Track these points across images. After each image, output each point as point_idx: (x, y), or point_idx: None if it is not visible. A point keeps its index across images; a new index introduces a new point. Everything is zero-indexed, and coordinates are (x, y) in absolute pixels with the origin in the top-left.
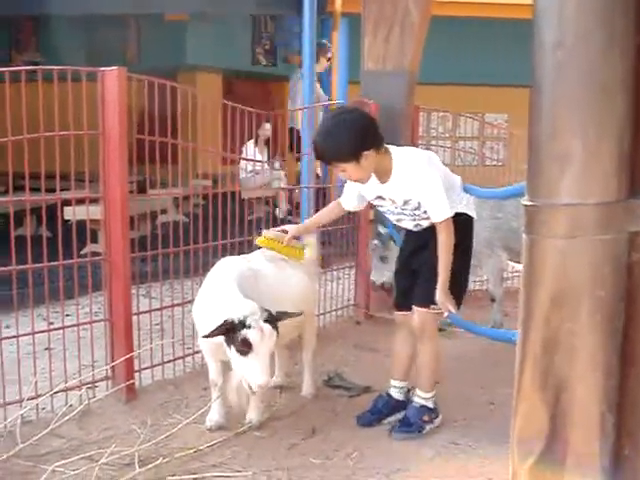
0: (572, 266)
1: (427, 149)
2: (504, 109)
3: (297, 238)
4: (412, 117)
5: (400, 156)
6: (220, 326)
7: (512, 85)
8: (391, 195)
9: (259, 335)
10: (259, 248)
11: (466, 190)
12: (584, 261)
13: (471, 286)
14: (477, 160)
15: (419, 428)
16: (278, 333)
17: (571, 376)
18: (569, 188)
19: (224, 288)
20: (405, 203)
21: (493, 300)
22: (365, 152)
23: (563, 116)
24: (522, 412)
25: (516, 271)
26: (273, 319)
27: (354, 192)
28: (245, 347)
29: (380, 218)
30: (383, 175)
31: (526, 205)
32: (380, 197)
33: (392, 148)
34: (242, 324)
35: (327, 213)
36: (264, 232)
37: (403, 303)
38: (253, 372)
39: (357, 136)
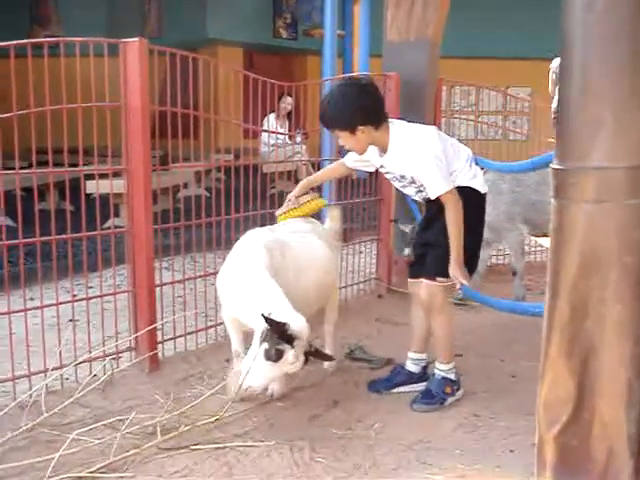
0: (600, 230)
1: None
2: (528, 82)
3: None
4: (435, 89)
5: (397, 133)
6: (279, 325)
7: (536, 58)
8: (389, 168)
9: (291, 360)
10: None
11: (477, 163)
12: (612, 225)
13: (493, 260)
14: (500, 134)
15: (441, 400)
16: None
17: (598, 343)
18: (599, 151)
19: (253, 263)
20: (402, 177)
21: (515, 274)
22: (360, 127)
23: (594, 80)
24: (549, 380)
25: (539, 245)
26: (309, 353)
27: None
28: (272, 356)
29: (400, 217)
30: (381, 149)
31: (555, 169)
32: (382, 166)
33: (393, 124)
34: (290, 339)
35: (330, 171)
36: (277, 213)
37: (413, 271)
38: (254, 373)
39: (356, 110)
